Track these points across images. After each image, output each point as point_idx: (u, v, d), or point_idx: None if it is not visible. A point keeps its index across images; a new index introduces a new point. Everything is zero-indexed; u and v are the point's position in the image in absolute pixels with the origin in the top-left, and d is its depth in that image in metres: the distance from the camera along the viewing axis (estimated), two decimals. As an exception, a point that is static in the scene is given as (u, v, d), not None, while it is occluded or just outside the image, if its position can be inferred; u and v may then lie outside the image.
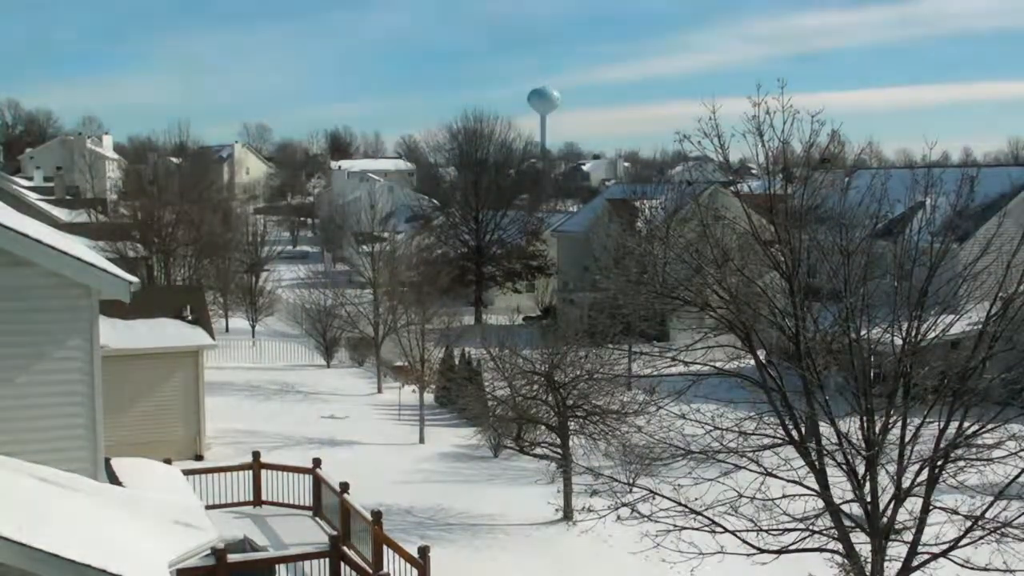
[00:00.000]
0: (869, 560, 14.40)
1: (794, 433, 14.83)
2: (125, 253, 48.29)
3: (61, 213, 67.21)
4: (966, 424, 14.06)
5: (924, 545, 14.16)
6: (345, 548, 20.31)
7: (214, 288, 53.47)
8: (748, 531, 14.57)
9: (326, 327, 48.40)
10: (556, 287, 67.88)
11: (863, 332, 14.80)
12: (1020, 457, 13.76)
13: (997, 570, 13.81)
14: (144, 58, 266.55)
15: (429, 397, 36.30)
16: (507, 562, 22.01)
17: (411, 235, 66.73)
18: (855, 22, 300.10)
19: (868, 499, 14.34)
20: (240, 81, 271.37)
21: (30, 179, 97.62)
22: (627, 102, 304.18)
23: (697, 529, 14.81)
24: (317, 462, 24.10)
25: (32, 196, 74.52)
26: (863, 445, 14.28)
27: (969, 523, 13.70)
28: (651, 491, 15.36)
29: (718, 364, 15.82)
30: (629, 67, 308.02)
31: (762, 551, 14.48)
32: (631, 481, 16.09)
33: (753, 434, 15.00)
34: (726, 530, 14.64)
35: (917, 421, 14.30)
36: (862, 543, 14.53)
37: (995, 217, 27.21)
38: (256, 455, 24.84)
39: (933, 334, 14.82)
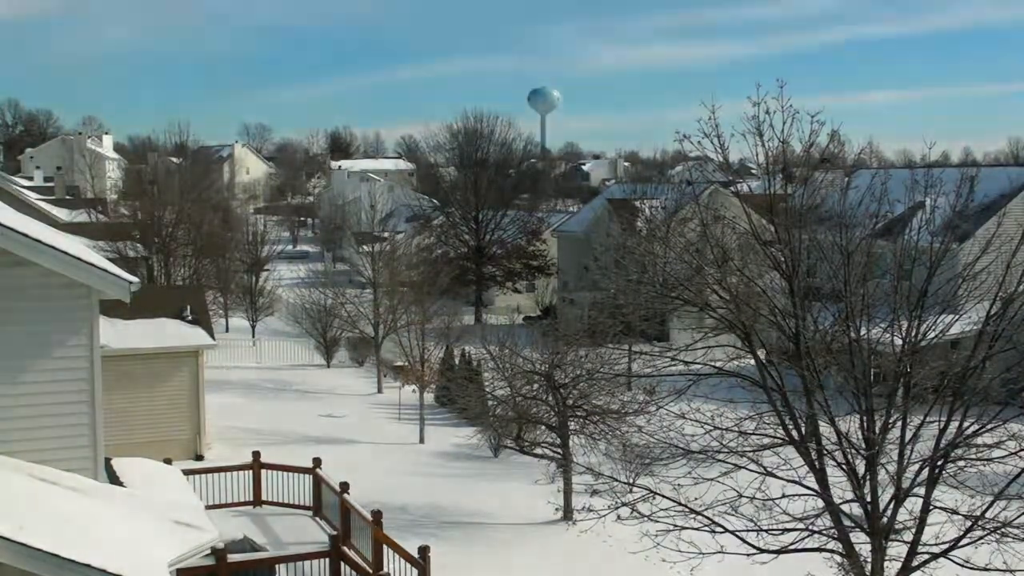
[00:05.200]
0: (869, 560, 14.40)
1: (794, 433, 14.83)
2: (125, 253, 48.21)
3: (61, 213, 67.13)
4: (966, 424, 14.06)
5: (924, 545, 14.15)
6: (345, 548, 20.31)
7: (214, 288, 53.45)
8: (748, 531, 14.57)
9: (326, 327, 48.44)
10: (556, 287, 67.86)
11: (863, 332, 14.80)
12: (1020, 457, 13.76)
13: (997, 570, 13.81)
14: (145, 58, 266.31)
15: (429, 397, 36.31)
16: (507, 562, 22.02)
17: (411, 235, 66.71)
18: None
19: (868, 499, 14.34)
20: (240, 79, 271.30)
21: (30, 179, 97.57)
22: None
23: (697, 529, 14.80)
24: (317, 462, 24.09)
25: (32, 196, 74.38)
26: (863, 445, 14.28)
27: (969, 523, 13.70)
28: (651, 491, 15.35)
29: (718, 364, 15.82)
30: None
31: (762, 551, 14.48)
32: (631, 481, 16.08)
33: (753, 434, 15.00)
34: (726, 530, 14.64)
35: (917, 421, 14.30)
36: (862, 543, 14.53)
37: (995, 217, 27.33)
38: (256, 455, 24.81)
39: (933, 334, 14.83)
